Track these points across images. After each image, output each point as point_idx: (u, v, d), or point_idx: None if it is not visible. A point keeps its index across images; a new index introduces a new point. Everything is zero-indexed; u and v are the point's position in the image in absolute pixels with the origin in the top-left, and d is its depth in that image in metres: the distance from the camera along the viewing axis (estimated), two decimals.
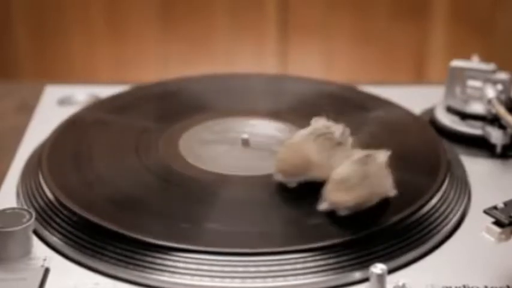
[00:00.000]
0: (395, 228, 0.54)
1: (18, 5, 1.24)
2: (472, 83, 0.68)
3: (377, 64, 1.26)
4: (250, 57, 1.26)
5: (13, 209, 0.55)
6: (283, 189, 0.58)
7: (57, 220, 0.55)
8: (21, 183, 0.61)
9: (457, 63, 0.69)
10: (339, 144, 0.57)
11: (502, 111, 0.64)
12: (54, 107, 0.74)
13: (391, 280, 0.50)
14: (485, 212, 0.56)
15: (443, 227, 0.56)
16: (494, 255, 0.54)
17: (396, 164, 0.56)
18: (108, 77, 1.25)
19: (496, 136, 0.65)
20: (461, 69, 0.68)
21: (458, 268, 0.53)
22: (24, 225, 0.53)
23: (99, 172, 0.60)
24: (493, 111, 0.65)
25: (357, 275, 0.51)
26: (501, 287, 0.51)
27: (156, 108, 0.71)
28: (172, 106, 0.71)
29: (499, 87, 0.66)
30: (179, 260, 0.51)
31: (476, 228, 0.56)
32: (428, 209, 0.56)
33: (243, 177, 0.60)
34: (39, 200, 0.57)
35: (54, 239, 0.54)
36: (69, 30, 1.25)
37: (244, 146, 0.64)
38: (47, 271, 0.52)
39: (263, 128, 0.67)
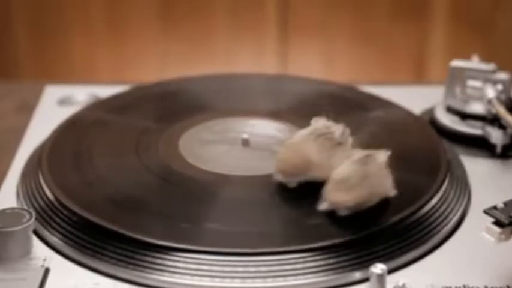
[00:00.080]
0: (395, 228, 0.54)
1: (18, 5, 1.24)
2: (472, 83, 0.68)
3: (377, 64, 1.26)
4: (250, 57, 1.26)
5: (13, 209, 0.55)
6: (283, 189, 0.58)
7: (57, 220, 0.55)
8: (21, 183, 0.61)
9: (457, 63, 0.69)
10: (339, 144, 0.57)
11: (502, 111, 0.64)
12: (54, 107, 0.74)
13: (391, 280, 0.50)
14: (485, 212, 0.56)
15: (443, 227, 0.56)
16: (494, 255, 0.54)
17: (396, 164, 0.56)
18: (108, 77, 1.25)
19: (496, 136, 0.65)
20: (461, 69, 0.68)
21: (458, 268, 0.53)
22: (24, 225, 0.53)
23: (99, 172, 0.60)
24: (493, 111, 0.65)
25: (357, 275, 0.51)
26: (501, 287, 0.51)
27: (156, 108, 0.71)
28: (172, 106, 0.71)
29: (499, 87, 0.66)
30: (179, 260, 0.51)
31: (476, 228, 0.56)
32: (428, 209, 0.56)
33: (243, 177, 0.60)
34: (39, 200, 0.57)
35: (54, 239, 0.54)
36: (69, 30, 1.25)
37: (244, 146, 0.64)
38: (47, 271, 0.52)
39: (263, 128, 0.67)
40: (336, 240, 0.52)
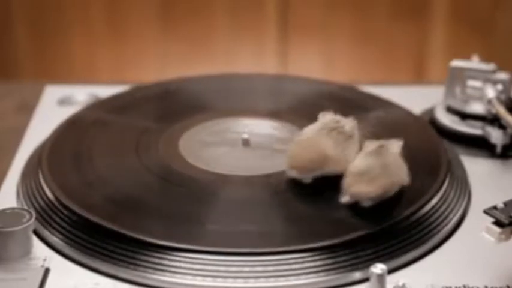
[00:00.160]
0: (395, 228, 0.54)
1: (18, 5, 1.24)
2: (472, 83, 0.68)
3: (377, 64, 1.26)
4: (250, 57, 1.26)
5: (13, 209, 0.55)
6: (282, 190, 0.58)
7: (57, 220, 0.55)
8: (21, 183, 0.61)
9: (457, 63, 0.69)
10: (350, 137, 0.58)
11: (502, 111, 0.64)
12: (54, 107, 0.74)
13: (391, 280, 0.50)
14: (485, 212, 0.56)
15: (443, 227, 0.56)
16: (494, 255, 0.54)
17: None
18: (108, 77, 1.25)
19: (496, 136, 0.65)
20: (461, 69, 0.68)
21: (458, 268, 0.53)
22: (24, 225, 0.53)
23: (100, 172, 0.60)
24: (493, 111, 0.65)
25: (357, 275, 0.51)
26: (501, 287, 0.51)
27: (156, 108, 0.71)
28: (172, 106, 0.71)
29: (499, 87, 0.66)
30: (179, 260, 0.51)
31: (476, 228, 0.56)
32: (429, 209, 0.56)
33: (243, 177, 0.60)
34: (39, 200, 0.57)
35: (54, 239, 0.54)
36: (69, 30, 1.25)
37: (245, 146, 0.64)
38: (47, 271, 0.52)
39: (263, 128, 0.67)
40: (336, 240, 0.52)
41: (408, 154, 0.62)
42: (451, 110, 0.69)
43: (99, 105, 0.71)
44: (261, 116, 0.68)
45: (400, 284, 0.50)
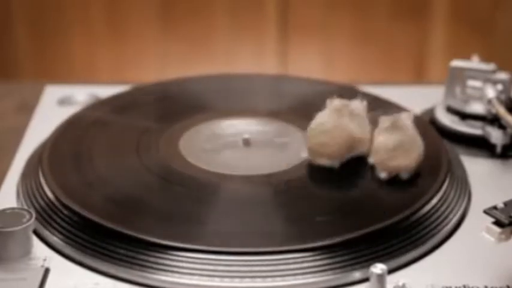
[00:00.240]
0: (395, 228, 0.54)
1: (18, 5, 1.24)
2: (472, 83, 0.68)
3: (377, 64, 1.26)
4: (250, 57, 1.26)
5: (13, 209, 0.55)
6: (283, 189, 0.58)
7: (58, 220, 0.55)
8: (22, 183, 0.61)
9: (457, 63, 0.69)
10: (364, 117, 0.61)
11: (502, 111, 0.64)
12: (54, 107, 0.74)
13: (391, 280, 0.50)
14: (485, 212, 0.56)
15: (443, 227, 0.56)
16: (494, 255, 0.54)
17: None
18: (108, 77, 1.25)
19: (496, 136, 0.65)
20: (461, 69, 0.68)
21: (458, 268, 0.53)
22: (24, 225, 0.53)
23: (100, 172, 0.60)
24: (493, 111, 0.65)
25: (357, 275, 0.51)
26: (501, 287, 0.51)
27: (156, 108, 0.71)
28: (172, 106, 0.71)
29: (499, 87, 0.66)
30: (179, 260, 0.51)
31: (476, 228, 0.56)
32: (429, 209, 0.56)
33: (243, 177, 0.60)
34: (40, 199, 0.57)
35: (54, 239, 0.54)
36: (69, 30, 1.25)
37: (245, 145, 0.64)
38: (47, 271, 0.52)
39: (263, 128, 0.67)
40: (336, 240, 0.52)
41: None
42: (451, 110, 0.69)
43: (99, 105, 0.71)
44: (261, 116, 0.68)
45: (400, 284, 0.50)
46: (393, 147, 0.57)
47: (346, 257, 0.52)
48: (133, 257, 0.52)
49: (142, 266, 0.51)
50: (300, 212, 0.56)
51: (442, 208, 0.57)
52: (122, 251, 0.52)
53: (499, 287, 0.51)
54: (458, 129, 0.68)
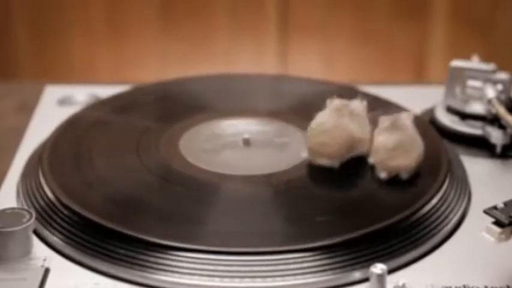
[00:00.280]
0: (395, 228, 0.54)
1: (18, 5, 1.24)
2: (472, 83, 0.68)
3: (377, 64, 1.26)
4: (250, 57, 1.26)
5: (13, 209, 0.55)
6: (283, 189, 0.58)
7: (58, 220, 0.55)
8: (22, 183, 0.61)
9: (457, 63, 0.69)
10: (363, 117, 0.61)
11: (502, 111, 0.64)
12: (54, 107, 0.74)
13: (391, 280, 0.50)
14: (485, 212, 0.56)
15: (443, 227, 0.56)
16: (494, 255, 0.54)
17: None
18: (108, 77, 1.25)
19: (496, 136, 0.65)
20: (461, 69, 0.68)
21: (458, 268, 0.53)
22: (24, 225, 0.53)
23: (100, 172, 0.60)
24: (493, 111, 0.65)
25: (357, 275, 0.51)
26: (501, 287, 0.51)
27: (156, 108, 0.71)
28: (172, 106, 0.71)
29: (499, 87, 0.66)
30: (179, 260, 0.51)
31: (476, 228, 0.56)
32: (429, 209, 0.56)
33: (244, 177, 0.60)
34: (40, 199, 0.57)
35: (54, 239, 0.54)
36: (69, 30, 1.25)
37: (245, 145, 0.64)
38: (47, 271, 0.52)
39: (263, 128, 0.67)
40: (336, 240, 0.52)
41: None
42: (451, 110, 0.69)
43: (99, 105, 0.71)
44: (260, 116, 0.68)
45: (400, 284, 0.50)
46: (393, 147, 0.57)
47: (346, 257, 0.52)
48: (133, 257, 0.52)
49: (142, 266, 0.51)
50: (300, 212, 0.56)
51: (442, 208, 0.57)
52: (121, 251, 0.52)
53: (499, 287, 0.51)
54: (458, 129, 0.68)
